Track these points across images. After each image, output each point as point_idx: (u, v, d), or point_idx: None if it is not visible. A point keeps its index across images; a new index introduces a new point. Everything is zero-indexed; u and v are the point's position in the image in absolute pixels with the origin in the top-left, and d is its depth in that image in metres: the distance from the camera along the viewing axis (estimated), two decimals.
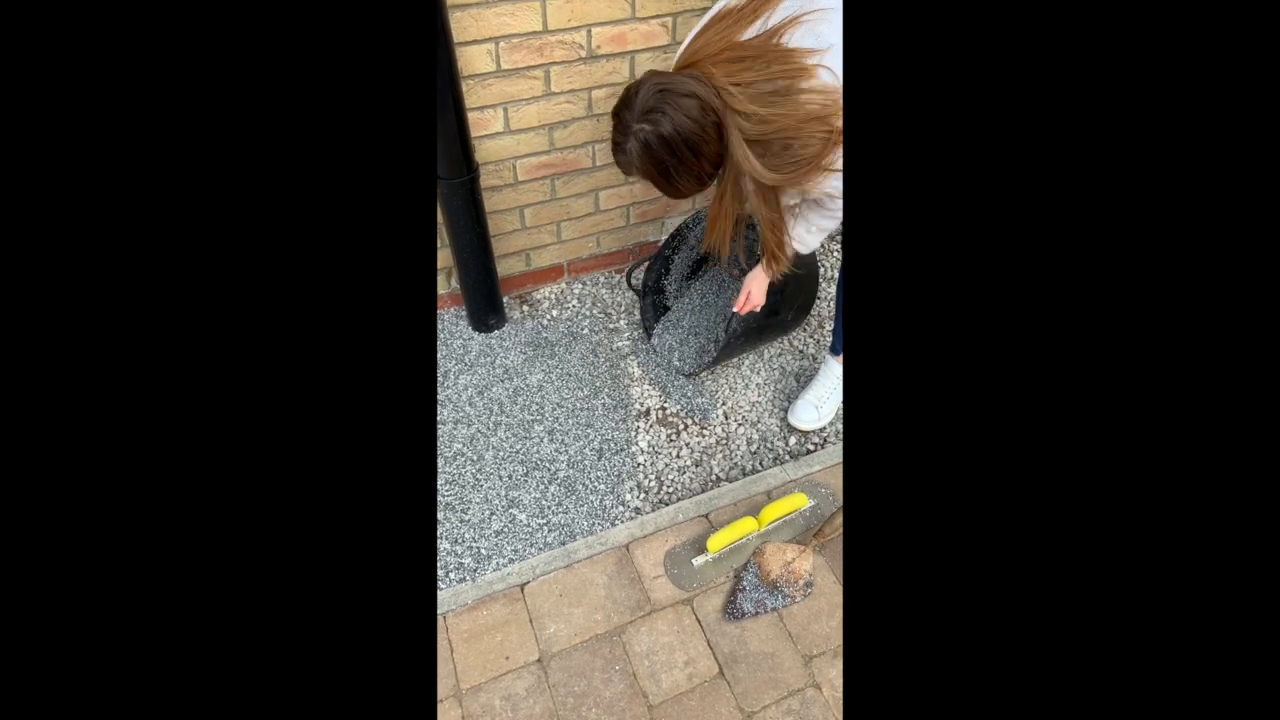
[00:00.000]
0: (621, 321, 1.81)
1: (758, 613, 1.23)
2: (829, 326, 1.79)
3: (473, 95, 1.46)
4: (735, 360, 1.71)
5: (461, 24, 1.36)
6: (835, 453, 1.50)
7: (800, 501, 1.37)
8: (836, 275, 1.86)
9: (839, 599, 1.27)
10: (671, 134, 0.98)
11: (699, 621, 1.23)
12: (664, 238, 1.69)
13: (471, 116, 1.47)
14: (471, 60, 1.41)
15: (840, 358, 1.52)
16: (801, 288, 1.54)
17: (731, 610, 1.24)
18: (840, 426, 1.57)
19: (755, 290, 1.36)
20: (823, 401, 1.53)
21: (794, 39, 0.99)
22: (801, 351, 1.73)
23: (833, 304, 1.84)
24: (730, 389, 1.65)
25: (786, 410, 1.58)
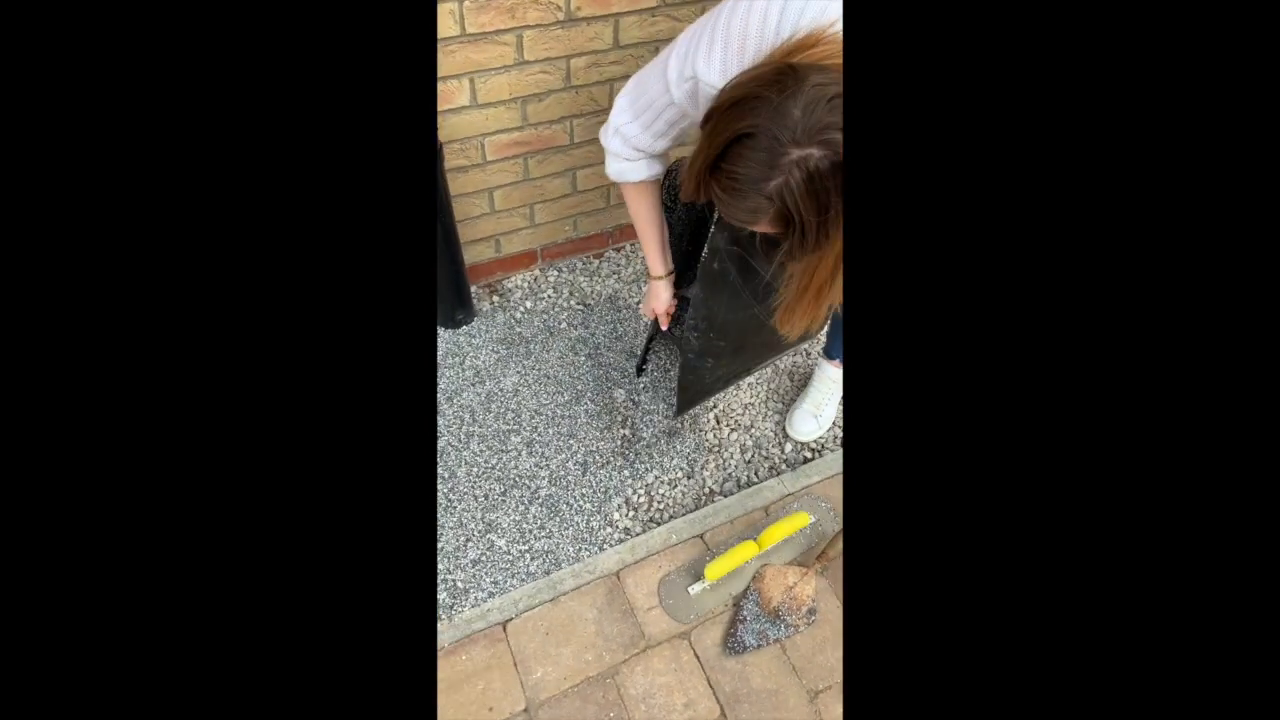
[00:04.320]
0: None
1: (760, 645, 1.15)
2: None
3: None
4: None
5: None
6: (834, 461, 1.41)
7: (802, 520, 1.28)
8: None
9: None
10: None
11: (698, 657, 1.14)
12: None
13: None
14: None
15: (835, 362, 1.42)
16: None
17: (732, 644, 1.15)
18: (838, 433, 1.48)
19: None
20: (821, 409, 1.44)
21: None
22: (794, 348, 1.63)
23: None
24: (722, 390, 1.54)
25: (783, 417, 1.48)
